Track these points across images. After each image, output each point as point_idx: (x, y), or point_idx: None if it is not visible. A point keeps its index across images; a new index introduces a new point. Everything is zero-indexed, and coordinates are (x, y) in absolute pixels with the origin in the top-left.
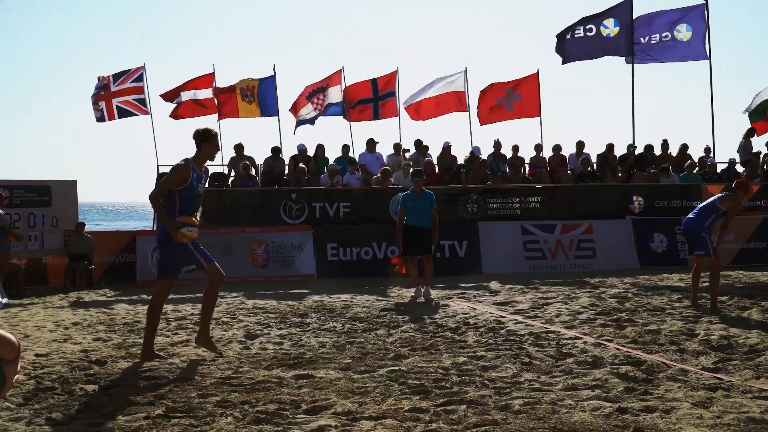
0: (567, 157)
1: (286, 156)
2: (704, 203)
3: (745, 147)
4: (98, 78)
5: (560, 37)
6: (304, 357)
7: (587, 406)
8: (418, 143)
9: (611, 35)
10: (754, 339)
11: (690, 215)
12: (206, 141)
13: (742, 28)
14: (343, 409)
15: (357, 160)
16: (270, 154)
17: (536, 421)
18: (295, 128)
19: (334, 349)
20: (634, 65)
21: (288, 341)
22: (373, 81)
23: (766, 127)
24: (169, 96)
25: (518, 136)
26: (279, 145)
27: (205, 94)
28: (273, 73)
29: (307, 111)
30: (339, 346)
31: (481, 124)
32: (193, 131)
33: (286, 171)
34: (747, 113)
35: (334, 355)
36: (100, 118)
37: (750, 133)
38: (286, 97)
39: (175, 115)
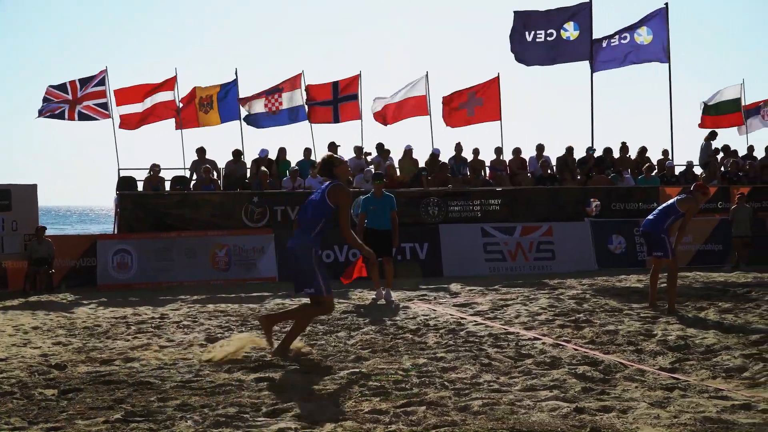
0: (527, 160)
1: (248, 160)
2: (663, 205)
3: (706, 149)
4: (67, 84)
5: (519, 39)
6: (265, 360)
7: (545, 406)
8: (379, 147)
9: (571, 39)
10: (710, 339)
11: (649, 217)
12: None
13: (701, 30)
14: (303, 411)
15: None
16: (231, 158)
17: (495, 421)
18: (244, 121)
19: (294, 353)
20: (595, 70)
21: (249, 344)
22: (334, 83)
23: (713, 124)
24: (129, 99)
25: (479, 140)
26: (241, 149)
27: (166, 96)
28: (235, 77)
29: (259, 107)
30: (300, 351)
31: (449, 126)
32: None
33: (248, 174)
34: (703, 104)
35: (296, 358)
36: (53, 116)
37: (712, 136)
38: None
39: (131, 123)
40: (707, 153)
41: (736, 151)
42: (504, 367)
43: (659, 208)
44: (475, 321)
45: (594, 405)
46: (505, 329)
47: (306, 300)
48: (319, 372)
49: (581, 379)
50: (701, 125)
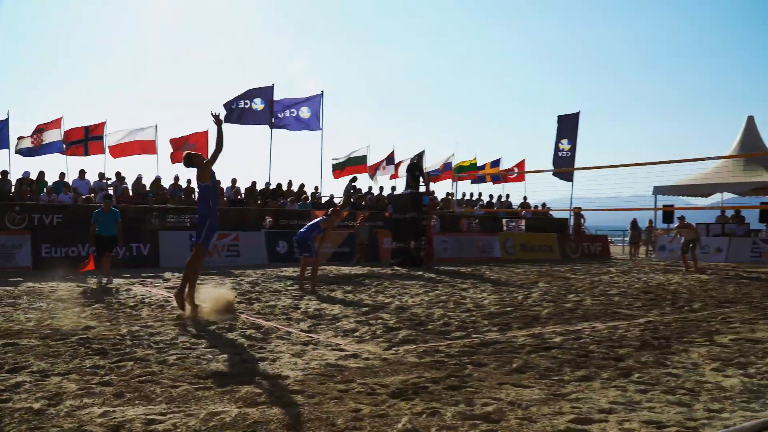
0: (224, 189)
1: (13, 178)
2: (312, 222)
3: (348, 186)
4: None
5: (228, 104)
6: (13, 329)
7: (221, 358)
8: (118, 174)
9: (259, 110)
10: (336, 310)
11: (302, 230)
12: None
13: (349, 109)
14: (38, 368)
15: (70, 184)
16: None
17: (184, 370)
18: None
19: (37, 323)
20: (273, 130)
21: (1, 317)
22: (86, 127)
23: (341, 174)
24: None
25: (190, 174)
26: (8, 170)
27: None
28: (7, 116)
29: (25, 143)
30: (42, 322)
31: (174, 162)
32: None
33: (13, 189)
34: (334, 162)
35: (38, 327)
36: None
37: (354, 179)
38: (14, 133)
39: None
40: (348, 188)
41: (360, 189)
42: (196, 332)
43: (309, 223)
44: None
45: (255, 356)
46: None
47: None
48: (55, 338)
49: (248, 339)
50: (335, 176)
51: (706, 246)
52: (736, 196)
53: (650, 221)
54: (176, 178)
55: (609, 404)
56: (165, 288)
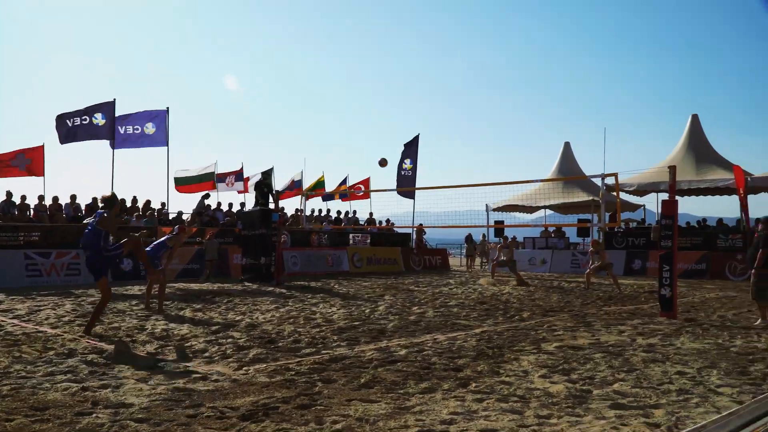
0: (63, 205)
1: None
2: (159, 240)
3: (199, 203)
4: None
5: (61, 119)
6: None
7: (60, 387)
8: None
9: (100, 125)
10: (185, 330)
11: (148, 248)
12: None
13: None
14: None
15: None
16: None
17: (19, 402)
18: None
19: None
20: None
21: None
22: None
23: (188, 190)
24: None
25: (26, 189)
26: None
27: None
28: None
29: None
30: None
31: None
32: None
33: None
34: (177, 176)
35: None
36: None
37: (206, 196)
38: None
39: None
40: (200, 206)
41: (210, 205)
42: (32, 358)
43: (156, 241)
44: (13, 323)
45: (96, 384)
46: (36, 328)
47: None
48: None
49: (89, 365)
50: (182, 190)
51: (533, 258)
52: (556, 213)
53: (483, 235)
54: (8, 194)
55: (450, 415)
56: None
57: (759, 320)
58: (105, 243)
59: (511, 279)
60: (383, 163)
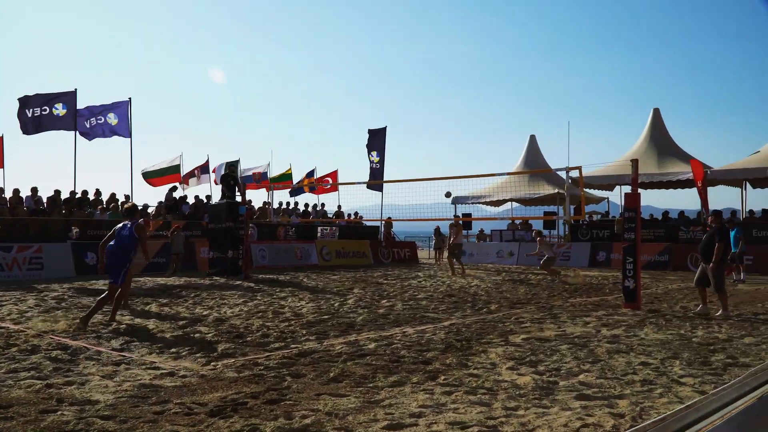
0: (24, 198)
1: None
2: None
3: (169, 195)
4: None
5: (21, 106)
6: None
7: (24, 384)
8: None
9: (60, 115)
10: (151, 325)
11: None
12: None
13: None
14: None
15: None
16: None
17: None
18: None
19: None
20: (79, 136)
21: None
22: None
23: (159, 183)
24: None
25: None
26: None
27: None
28: None
29: None
30: None
31: None
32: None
33: None
34: (144, 171)
35: None
36: None
37: (174, 189)
38: None
39: None
40: (168, 199)
41: (176, 197)
42: None
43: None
44: None
45: (61, 380)
46: None
47: None
48: None
49: (53, 361)
50: (152, 183)
51: (500, 251)
52: (522, 206)
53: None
54: None
55: (419, 408)
56: None
57: (720, 311)
58: (135, 251)
59: (479, 270)
60: (448, 195)
